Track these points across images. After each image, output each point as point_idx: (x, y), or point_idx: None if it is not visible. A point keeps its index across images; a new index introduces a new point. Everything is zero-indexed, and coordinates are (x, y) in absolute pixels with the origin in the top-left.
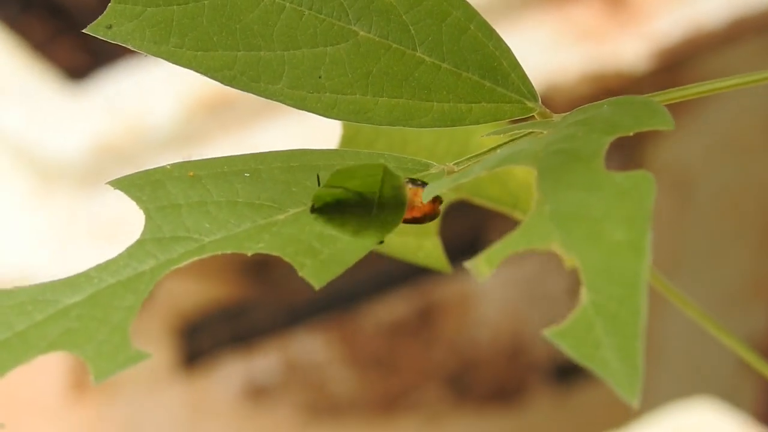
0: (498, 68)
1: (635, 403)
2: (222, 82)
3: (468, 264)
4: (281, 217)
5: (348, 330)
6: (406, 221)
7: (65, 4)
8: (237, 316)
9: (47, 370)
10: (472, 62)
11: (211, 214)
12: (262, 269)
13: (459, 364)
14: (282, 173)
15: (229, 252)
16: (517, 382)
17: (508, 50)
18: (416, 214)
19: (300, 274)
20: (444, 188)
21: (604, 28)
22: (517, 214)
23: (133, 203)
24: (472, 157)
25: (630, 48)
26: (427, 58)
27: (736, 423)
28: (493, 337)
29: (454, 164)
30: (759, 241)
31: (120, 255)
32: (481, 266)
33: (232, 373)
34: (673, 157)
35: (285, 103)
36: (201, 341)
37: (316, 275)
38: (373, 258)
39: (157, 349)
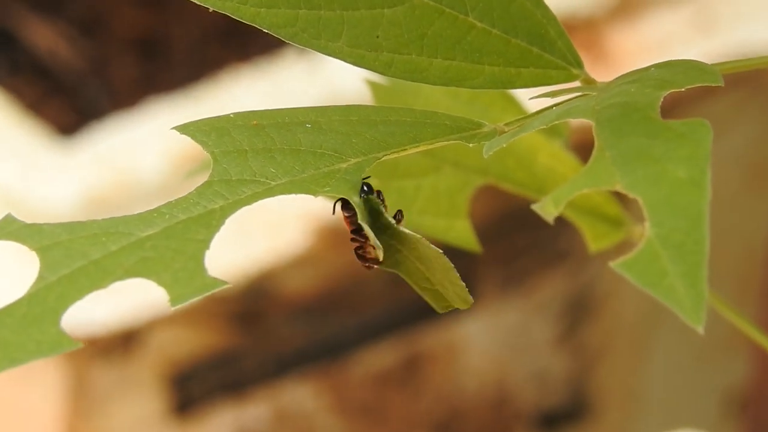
0: (545, 36)
1: (700, 329)
2: (284, 39)
3: (535, 206)
4: (344, 165)
5: (336, 379)
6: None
7: (52, 67)
8: (227, 364)
9: (40, 417)
10: (521, 29)
11: (275, 160)
12: (252, 318)
13: (445, 412)
14: (342, 125)
15: (296, 194)
16: (503, 431)
17: (554, 19)
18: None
19: None
20: (502, 144)
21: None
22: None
23: None
24: (521, 119)
25: None
26: (478, 24)
27: None
28: (479, 385)
29: (505, 125)
30: (738, 292)
31: (189, 194)
32: (548, 206)
33: (223, 421)
34: None
35: (345, 61)
36: (192, 389)
37: None
38: (360, 307)
39: (148, 397)
